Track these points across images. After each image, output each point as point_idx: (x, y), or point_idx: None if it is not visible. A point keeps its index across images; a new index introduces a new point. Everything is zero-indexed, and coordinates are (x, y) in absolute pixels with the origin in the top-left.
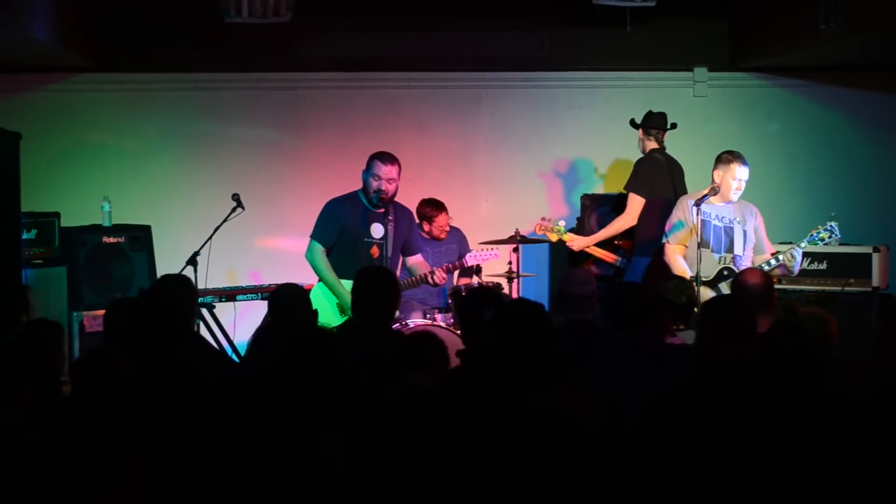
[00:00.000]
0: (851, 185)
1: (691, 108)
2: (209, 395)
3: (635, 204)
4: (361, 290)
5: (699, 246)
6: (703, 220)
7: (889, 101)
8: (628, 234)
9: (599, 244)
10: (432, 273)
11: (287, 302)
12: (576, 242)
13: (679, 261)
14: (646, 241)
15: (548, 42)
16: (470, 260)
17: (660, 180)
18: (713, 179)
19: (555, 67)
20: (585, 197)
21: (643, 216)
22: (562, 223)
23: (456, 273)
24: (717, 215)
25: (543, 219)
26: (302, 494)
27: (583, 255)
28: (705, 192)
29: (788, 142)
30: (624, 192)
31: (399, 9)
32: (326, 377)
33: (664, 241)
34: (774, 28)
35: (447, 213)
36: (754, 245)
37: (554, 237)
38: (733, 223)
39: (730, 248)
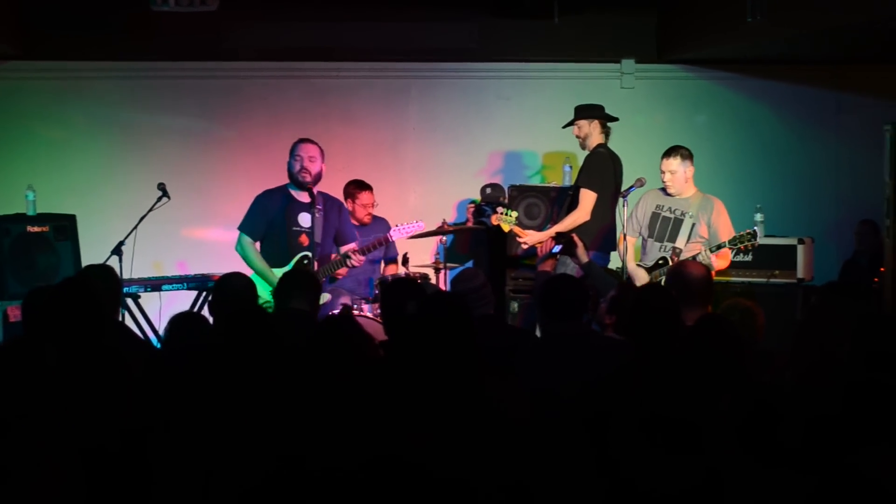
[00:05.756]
0: (777, 176)
1: (619, 100)
2: (134, 381)
3: (588, 199)
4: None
5: (647, 237)
6: (654, 213)
7: (814, 93)
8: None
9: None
10: (347, 257)
11: (235, 291)
12: (529, 238)
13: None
14: (599, 238)
15: (476, 33)
16: (395, 234)
17: (608, 175)
18: None
19: (484, 58)
20: (513, 188)
21: (594, 212)
22: (513, 214)
23: (382, 263)
24: (669, 207)
25: (498, 209)
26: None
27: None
28: (632, 184)
29: (716, 133)
30: (551, 183)
31: None
32: (267, 356)
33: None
34: (702, 21)
35: (371, 193)
36: (706, 240)
37: (506, 227)
38: (684, 216)
39: (672, 239)
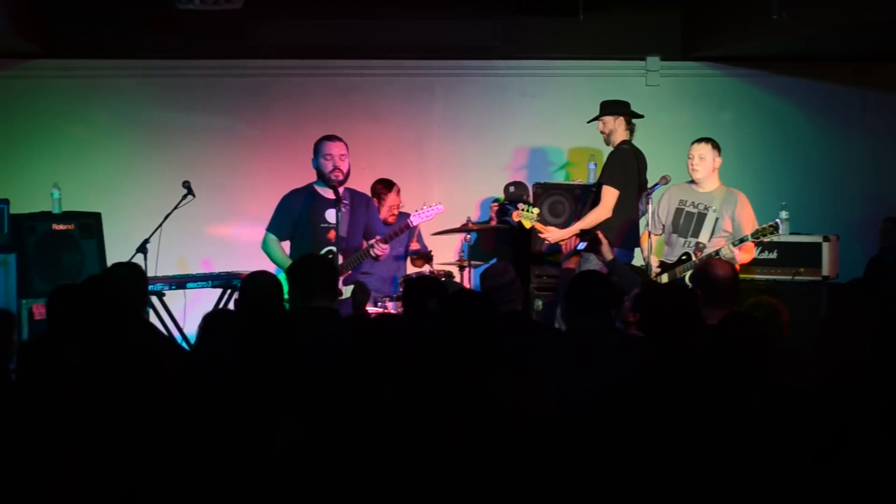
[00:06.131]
0: (802, 174)
1: (644, 97)
2: (169, 379)
3: (610, 196)
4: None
5: (671, 232)
6: (677, 209)
7: (839, 90)
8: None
9: None
10: (372, 246)
11: (260, 290)
12: (551, 235)
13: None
14: (622, 234)
15: (501, 30)
16: (415, 219)
17: (631, 172)
18: None
19: (508, 56)
20: (537, 185)
21: (617, 209)
22: (535, 210)
23: (406, 258)
24: (693, 202)
25: (519, 206)
26: (261, 479)
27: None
28: (656, 182)
29: (740, 131)
30: (575, 180)
31: None
32: (287, 358)
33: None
34: (726, 17)
35: (398, 195)
36: (730, 234)
37: (527, 224)
38: (707, 211)
39: (695, 234)
